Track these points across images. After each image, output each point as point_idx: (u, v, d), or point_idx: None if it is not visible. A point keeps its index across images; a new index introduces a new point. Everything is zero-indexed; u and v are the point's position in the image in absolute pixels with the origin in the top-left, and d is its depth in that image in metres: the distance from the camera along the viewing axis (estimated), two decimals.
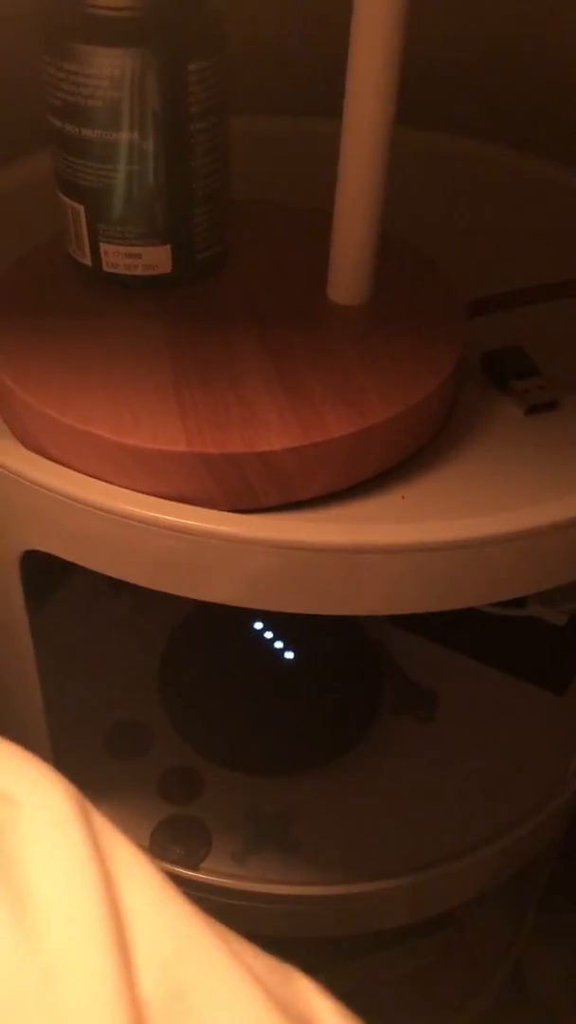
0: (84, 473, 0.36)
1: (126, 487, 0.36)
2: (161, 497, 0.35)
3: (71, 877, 0.20)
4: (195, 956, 0.20)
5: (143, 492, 0.35)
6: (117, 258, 0.41)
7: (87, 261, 0.42)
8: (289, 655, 0.64)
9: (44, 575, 0.66)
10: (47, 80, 0.38)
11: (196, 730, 0.61)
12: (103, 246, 0.41)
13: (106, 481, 0.36)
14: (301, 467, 0.35)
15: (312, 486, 0.36)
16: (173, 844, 0.55)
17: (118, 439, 0.35)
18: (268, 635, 0.65)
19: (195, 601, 0.37)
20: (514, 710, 0.64)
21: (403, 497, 0.37)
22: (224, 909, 0.54)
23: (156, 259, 0.41)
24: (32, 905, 0.20)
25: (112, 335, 0.40)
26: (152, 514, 0.34)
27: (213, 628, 0.66)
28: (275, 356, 0.39)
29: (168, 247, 0.41)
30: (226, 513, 0.35)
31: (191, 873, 0.54)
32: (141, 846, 0.23)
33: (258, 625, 0.65)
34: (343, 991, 0.23)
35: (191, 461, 0.35)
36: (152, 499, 0.35)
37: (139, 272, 0.41)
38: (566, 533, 0.35)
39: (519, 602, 0.62)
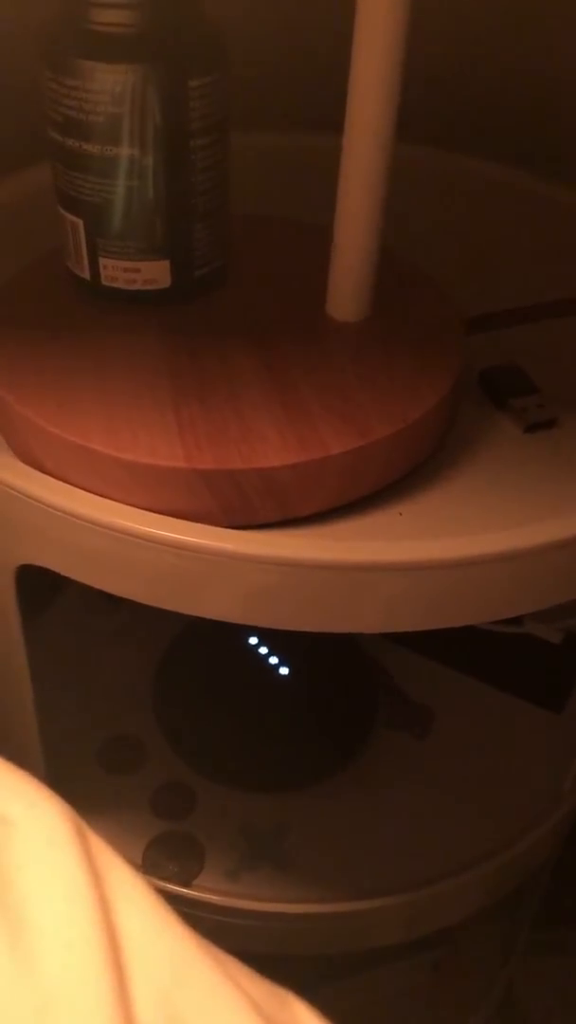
0: (81, 488, 0.36)
1: (123, 502, 0.35)
2: (158, 513, 0.35)
3: (67, 901, 0.20)
4: (192, 982, 0.20)
5: (140, 507, 0.35)
6: (116, 272, 0.41)
7: (86, 275, 0.41)
8: (284, 671, 0.64)
9: (39, 589, 0.66)
10: (48, 95, 0.38)
11: (190, 746, 0.61)
12: (102, 260, 0.41)
13: (103, 496, 0.36)
14: (299, 483, 0.35)
15: (310, 502, 0.36)
16: (166, 861, 0.54)
17: (116, 454, 0.35)
18: (263, 651, 0.65)
19: (190, 616, 0.37)
20: (509, 727, 0.64)
21: (400, 514, 0.37)
22: (217, 926, 0.54)
23: (155, 274, 0.41)
24: (28, 929, 0.19)
25: (111, 350, 0.40)
26: (149, 530, 0.34)
27: (208, 644, 0.66)
28: (274, 372, 0.39)
29: (167, 262, 0.41)
30: (224, 529, 0.35)
31: (184, 890, 0.53)
32: (134, 863, 0.23)
33: (253, 641, 0.65)
34: (336, 1010, 0.23)
35: (189, 477, 0.34)
36: (149, 515, 0.35)
37: (138, 287, 0.41)
38: (564, 552, 0.35)
39: (515, 619, 0.62)
